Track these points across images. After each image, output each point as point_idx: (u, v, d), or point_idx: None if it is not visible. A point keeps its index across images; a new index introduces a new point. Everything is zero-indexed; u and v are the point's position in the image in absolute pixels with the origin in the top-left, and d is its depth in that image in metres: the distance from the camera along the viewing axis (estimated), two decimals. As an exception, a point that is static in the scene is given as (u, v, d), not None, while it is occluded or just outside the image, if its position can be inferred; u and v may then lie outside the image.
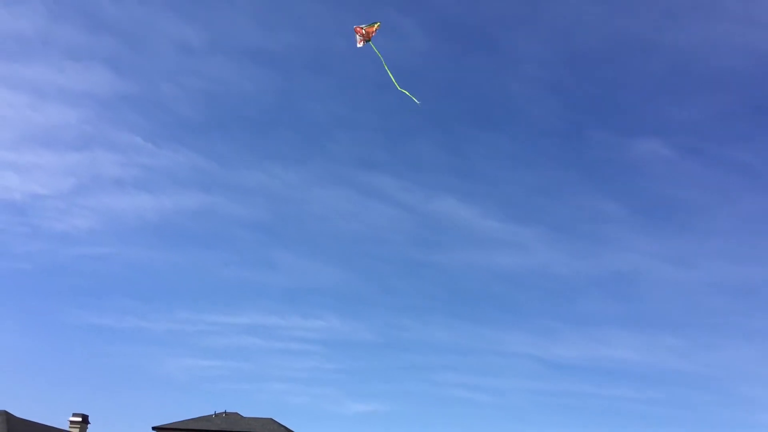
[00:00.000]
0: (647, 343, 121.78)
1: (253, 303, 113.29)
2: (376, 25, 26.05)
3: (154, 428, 58.18)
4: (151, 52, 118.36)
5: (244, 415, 60.52)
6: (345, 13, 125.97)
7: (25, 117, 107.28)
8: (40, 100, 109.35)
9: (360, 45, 26.25)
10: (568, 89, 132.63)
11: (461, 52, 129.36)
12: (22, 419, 51.85)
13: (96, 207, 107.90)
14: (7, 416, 50.26)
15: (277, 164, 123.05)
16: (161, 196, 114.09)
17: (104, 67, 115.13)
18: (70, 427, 56.60)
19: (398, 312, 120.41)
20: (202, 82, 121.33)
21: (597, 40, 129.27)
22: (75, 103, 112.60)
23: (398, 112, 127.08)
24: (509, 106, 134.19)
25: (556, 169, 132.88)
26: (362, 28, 26.00)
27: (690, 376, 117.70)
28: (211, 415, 59.80)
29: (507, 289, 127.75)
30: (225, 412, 60.30)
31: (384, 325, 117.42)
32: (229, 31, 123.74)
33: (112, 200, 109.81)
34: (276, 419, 59.32)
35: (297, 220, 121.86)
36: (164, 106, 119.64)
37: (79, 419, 56.81)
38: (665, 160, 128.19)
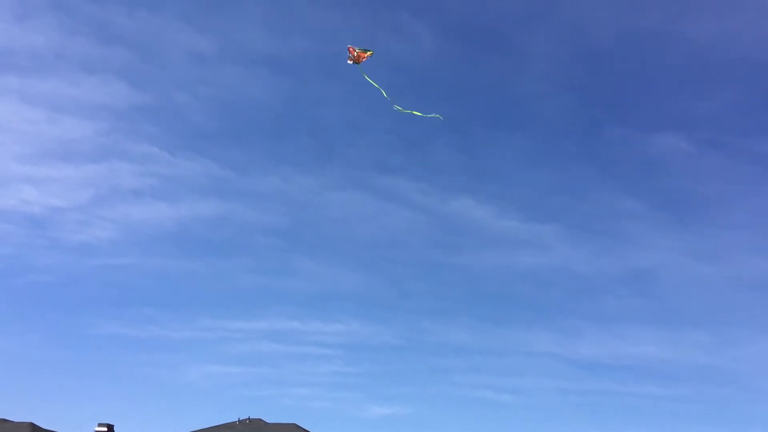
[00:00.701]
0: (672, 339, 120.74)
1: (273, 309, 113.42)
2: (369, 53, 26.31)
3: (178, 436, 58.48)
4: (164, 62, 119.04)
5: (268, 420, 60.56)
6: (355, 17, 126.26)
7: (42, 131, 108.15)
8: (56, 114, 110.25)
9: (349, 62, 26.47)
10: (584, 86, 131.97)
11: (473, 53, 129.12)
12: (47, 430, 52.21)
13: (115, 218, 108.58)
14: (33, 428, 50.63)
15: (293, 170, 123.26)
16: (179, 205, 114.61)
17: (118, 79, 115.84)
18: (95, 437, 56.92)
19: (419, 315, 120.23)
20: (215, 91, 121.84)
21: (611, 36, 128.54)
22: (91, 115, 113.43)
23: (412, 115, 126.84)
24: (523, 106, 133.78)
25: (573, 167, 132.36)
26: (355, 50, 26.25)
27: (716, 372, 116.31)
28: (235, 421, 59.88)
29: (528, 289, 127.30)
30: (248, 418, 60.35)
31: (405, 328, 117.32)
32: (240, 39, 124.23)
33: (130, 210, 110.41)
34: (299, 424, 59.30)
35: (315, 226, 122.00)
36: (179, 116, 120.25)
37: (105, 429, 57.10)
38: (685, 155, 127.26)
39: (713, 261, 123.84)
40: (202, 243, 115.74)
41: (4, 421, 52.07)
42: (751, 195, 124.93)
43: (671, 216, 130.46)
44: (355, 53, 26.31)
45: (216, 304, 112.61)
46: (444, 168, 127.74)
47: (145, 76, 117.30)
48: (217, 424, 59.82)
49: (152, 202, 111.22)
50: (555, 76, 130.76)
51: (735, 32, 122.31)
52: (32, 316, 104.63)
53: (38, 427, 51.49)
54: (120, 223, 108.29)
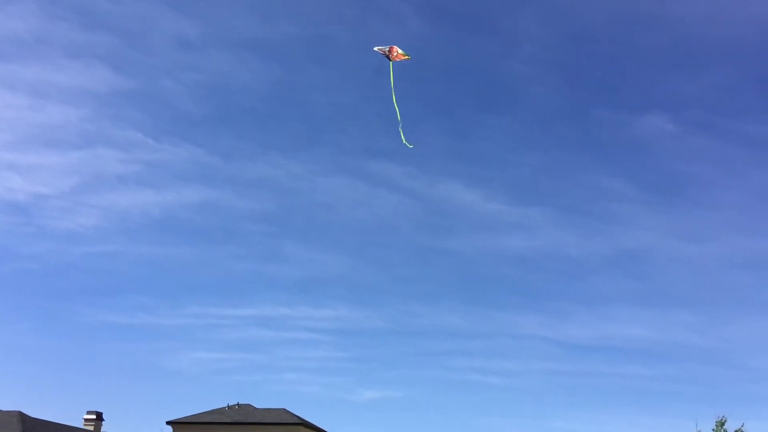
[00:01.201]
0: (660, 319, 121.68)
1: (263, 295, 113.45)
2: (406, 57, 26.04)
3: (168, 423, 58.28)
4: (149, 47, 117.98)
5: (258, 406, 60.63)
6: (343, 1, 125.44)
7: (26, 117, 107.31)
8: (40, 100, 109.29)
9: (376, 50, 25.94)
10: (571, 68, 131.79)
11: (460, 36, 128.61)
12: (36, 419, 52.05)
13: (100, 204, 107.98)
14: (22, 417, 50.46)
15: (281, 155, 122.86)
16: (165, 192, 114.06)
17: (102, 65, 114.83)
18: (84, 425, 56.88)
19: (409, 299, 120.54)
20: (201, 76, 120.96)
21: (598, 17, 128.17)
22: (74, 101, 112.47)
23: (400, 99, 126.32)
24: (511, 88, 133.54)
25: (562, 149, 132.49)
26: (397, 49, 25.88)
27: (704, 351, 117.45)
28: (224, 407, 59.91)
29: (517, 272, 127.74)
30: (238, 404, 60.39)
31: (395, 312, 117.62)
32: (226, 23, 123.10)
33: (116, 197, 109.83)
34: (289, 409, 59.43)
35: (304, 211, 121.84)
36: (164, 102, 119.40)
37: (94, 417, 57.07)
38: (672, 136, 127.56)
39: (700, 241, 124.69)
40: (190, 230, 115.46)
41: (-7, 410, 51.96)
42: (737, 175, 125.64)
43: (659, 197, 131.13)
44: (396, 52, 25.94)
45: (205, 290, 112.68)
46: (431, 152, 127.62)
47: (130, 62, 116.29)
48: (207, 410, 59.88)
49: (138, 189, 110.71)
50: (543, 58, 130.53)
51: (722, 13, 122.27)
52: (20, 304, 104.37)
53: (27, 415, 51.32)
54: (106, 210, 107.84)
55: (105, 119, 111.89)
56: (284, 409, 59.55)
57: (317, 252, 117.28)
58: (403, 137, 26.63)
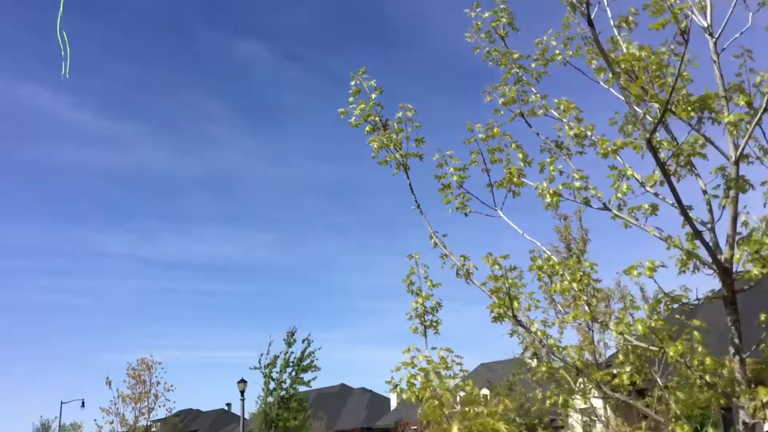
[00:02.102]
0: (245, 239, 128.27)
1: None
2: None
3: None
4: None
5: None
6: None
7: None
8: None
9: None
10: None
11: None
12: None
13: None
14: None
15: None
16: None
17: None
18: None
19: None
20: None
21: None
22: None
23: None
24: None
25: (161, 64, 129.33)
26: None
27: (282, 268, 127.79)
28: None
29: (105, 188, 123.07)
30: None
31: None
32: None
33: None
34: None
35: None
36: None
37: None
38: (267, 63, 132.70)
39: (284, 165, 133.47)
40: None
41: None
42: (320, 107, 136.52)
43: (252, 121, 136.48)
44: None
45: None
46: (11, 47, 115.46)
47: None
48: None
49: None
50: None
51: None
52: None
53: None
54: None
55: None
56: None
57: None
58: (66, 67, 23.16)
